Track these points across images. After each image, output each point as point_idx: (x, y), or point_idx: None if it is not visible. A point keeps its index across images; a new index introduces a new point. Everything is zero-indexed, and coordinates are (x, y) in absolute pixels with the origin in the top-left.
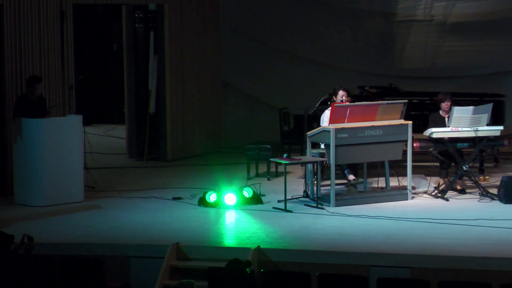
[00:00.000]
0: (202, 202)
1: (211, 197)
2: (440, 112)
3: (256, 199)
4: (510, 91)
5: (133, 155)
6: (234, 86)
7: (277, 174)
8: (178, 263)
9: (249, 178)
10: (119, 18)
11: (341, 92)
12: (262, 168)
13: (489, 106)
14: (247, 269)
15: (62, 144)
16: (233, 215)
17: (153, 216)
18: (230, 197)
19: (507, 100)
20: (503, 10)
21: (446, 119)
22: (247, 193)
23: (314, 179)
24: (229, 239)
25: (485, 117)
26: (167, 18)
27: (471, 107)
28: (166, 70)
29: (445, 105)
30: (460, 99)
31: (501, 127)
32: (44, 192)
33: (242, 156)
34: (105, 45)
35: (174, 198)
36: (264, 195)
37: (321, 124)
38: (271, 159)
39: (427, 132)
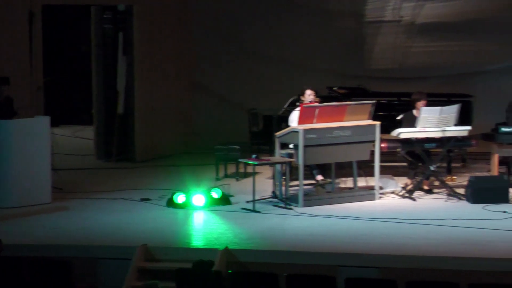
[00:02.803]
0: (170, 203)
1: (179, 198)
2: (414, 111)
3: (225, 200)
4: (478, 91)
5: (102, 156)
6: (204, 86)
7: (246, 175)
8: (146, 264)
9: (217, 179)
10: (88, 19)
11: (308, 92)
12: (231, 169)
13: (457, 106)
14: (212, 269)
15: (30, 145)
16: (201, 216)
17: (121, 217)
18: (198, 198)
19: (475, 101)
20: (471, 11)
21: None
22: (216, 194)
23: (282, 179)
24: (197, 240)
25: (453, 117)
26: (136, 19)
27: (439, 108)
28: (135, 70)
29: (421, 104)
30: (429, 100)
31: (469, 127)
32: (11, 194)
33: (212, 157)
34: (74, 46)
35: (142, 199)
36: (232, 196)
37: (289, 124)
38: (240, 160)
39: (394, 133)
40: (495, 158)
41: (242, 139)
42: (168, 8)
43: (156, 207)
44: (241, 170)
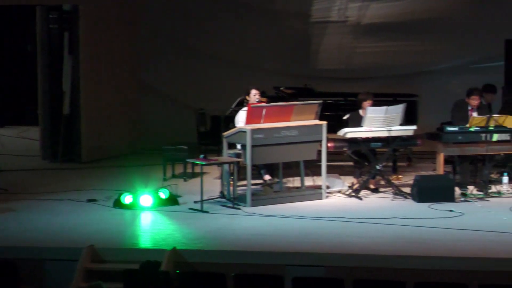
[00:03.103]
0: (118, 204)
1: (127, 198)
2: (360, 111)
3: (172, 200)
4: (423, 91)
5: (48, 157)
6: (152, 86)
7: (193, 175)
8: (93, 265)
9: (165, 179)
10: (33, 19)
11: (253, 91)
12: (179, 169)
13: (402, 106)
14: (159, 270)
15: None
16: (149, 216)
17: (68, 218)
18: (145, 199)
19: (420, 100)
20: (416, 11)
21: None
22: (163, 194)
23: (230, 179)
24: (145, 241)
25: (398, 117)
26: (82, 19)
27: (384, 107)
28: (80, 71)
29: (366, 104)
30: (374, 99)
31: (414, 127)
32: None
33: (159, 157)
34: (19, 46)
35: (89, 200)
36: (180, 196)
37: (235, 124)
38: (187, 160)
39: (341, 132)
40: (441, 157)
41: (190, 139)
42: (115, 8)
43: (103, 208)
44: (189, 170)
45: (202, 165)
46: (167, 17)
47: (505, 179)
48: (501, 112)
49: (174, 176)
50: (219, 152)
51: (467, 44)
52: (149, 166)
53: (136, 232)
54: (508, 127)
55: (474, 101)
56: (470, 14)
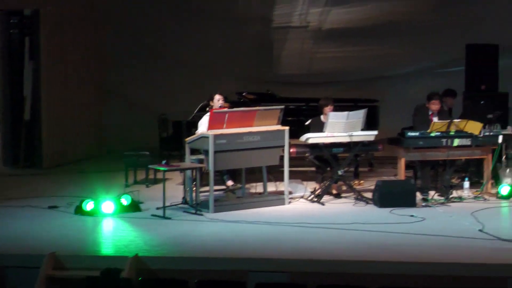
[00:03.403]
0: (79, 210)
1: (88, 205)
2: (322, 117)
3: (134, 206)
4: (384, 96)
5: (8, 163)
6: (114, 92)
7: (156, 181)
8: (55, 272)
9: (127, 186)
10: None
11: (217, 96)
12: (141, 175)
13: (364, 111)
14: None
15: None
16: (110, 223)
17: (29, 225)
18: (107, 205)
19: (381, 105)
20: (376, 16)
21: None
22: (125, 200)
23: (193, 185)
24: (107, 248)
25: (360, 122)
26: (43, 24)
27: (346, 113)
28: (42, 76)
29: (328, 109)
30: (336, 105)
31: (375, 132)
32: None
33: (121, 163)
34: None
35: (50, 207)
36: (142, 202)
37: (199, 130)
38: (149, 166)
39: (303, 138)
40: (402, 162)
41: (152, 145)
42: (77, 12)
43: (65, 214)
44: (151, 176)
45: (164, 171)
46: (130, 22)
47: (466, 184)
48: (462, 117)
49: (136, 182)
50: (181, 158)
51: (427, 49)
52: (111, 172)
53: (97, 239)
54: (469, 132)
55: (435, 105)
56: (430, 19)
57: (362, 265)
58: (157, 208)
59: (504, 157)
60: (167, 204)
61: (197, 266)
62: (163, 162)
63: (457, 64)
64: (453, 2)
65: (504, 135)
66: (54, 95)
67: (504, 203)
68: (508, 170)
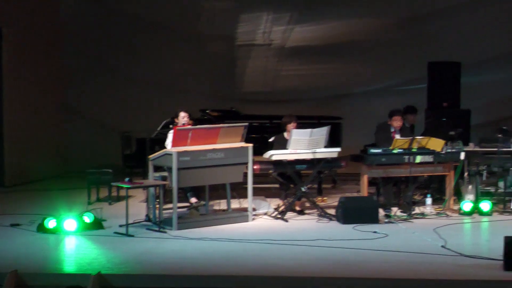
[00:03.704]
0: (41, 228)
1: (51, 223)
2: (285, 134)
3: (97, 224)
4: (347, 113)
5: None
6: (76, 109)
7: (119, 199)
8: None
9: (89, 203)
10: None
11: (182, 114)
12: (104, 193)
13: (327, 128)
14: None
15: None
16: (73, 241)
17: None
18: (70, 223)
19: (344, 122)
20: (339, 34)
21: None
22: (88, 218)
23: (156, 202)
24: (69, 266)
25: (323, 139)
26: (5, 42)
27: (309, 130)
28: (3, 93)
29: (291, 126)
30: (299, 122)
31: (339, 149)
32: None
33: (84, 180)
34: None
35: (12, 225)
36: (105, 220)
37: (166, 147)
38: (112, 183)
39: (267, 155)
40: (365, 179)
41: (115, 162)
42: (39, 30)
43: (27, 232)
44: (114, 193)
45: (127, 188)
46: (92, 40)
47: (429, 200)
48: (424, 134)
49: (99, 199)
50: (144, 175)
51: (390, 66)
52: (73, 189)
53: (60, 257)
54: (431, 149)
55: (396, 122)
56: (393, 37)
57: (325, 281)
58: (120, 226)
59: (466, 173)
60: (130, 221)
61: (160, 283)
62: (126, 179)
63: (419, 81)
64: (414, 20)
65: (466, 152)
66: (15, 113)
67: (466, 219)
68: (470, 187)
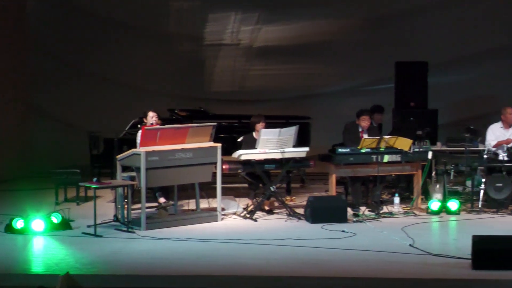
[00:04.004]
0: (9, 229)
1: (18, 223)
2: (254, 133)
3: (65, 224)
4: (315, 113)
5: None
6: (42, 109)
7: (86, 199)
8: None
9: (57, 203)
10: None
11: (151, 114)
12: (71, 193)
13: (295, 128)
14: None
15: None
16: (41, 241)
17: None
18: (37, 223)
19: (312, 122)
20: (307, 34)
21: None
22: (56, 218)
23: (124, 203)
24: (37, 266)
25: (291, 139)
26: None
27: (278, 130)
28: None
29: (259, 126)
30: (268, 122)
31: (307, 149)
32: None
33: (51, 180)
34: None
35: None
36: (73, 220)
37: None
38: (80, 184)
39: (236, 154)
40: (333, 179)
41: (83, 162)
42: (3, 30)
43: None
44: (82, 194)
45: (95, 188)
46: (59, 40)
47: (396, 199)
48: (392, 133)
49: (66, 200)
50: (112, 175)
51: (358, 66)
52: (41, 190)
53: (28, 257)
54: (399, 148)
55: (364, 122)
56: (360, 37)
57: (295, 280)
58: (88, 226)
59: (433, 172)
60: (98, 222)
61: (128, 284)
62: (94, 179)
63: (387, 81)
64: (382, 20)
65: (434, 151)
66: None
67: (434, 218)
68: (437, 186)
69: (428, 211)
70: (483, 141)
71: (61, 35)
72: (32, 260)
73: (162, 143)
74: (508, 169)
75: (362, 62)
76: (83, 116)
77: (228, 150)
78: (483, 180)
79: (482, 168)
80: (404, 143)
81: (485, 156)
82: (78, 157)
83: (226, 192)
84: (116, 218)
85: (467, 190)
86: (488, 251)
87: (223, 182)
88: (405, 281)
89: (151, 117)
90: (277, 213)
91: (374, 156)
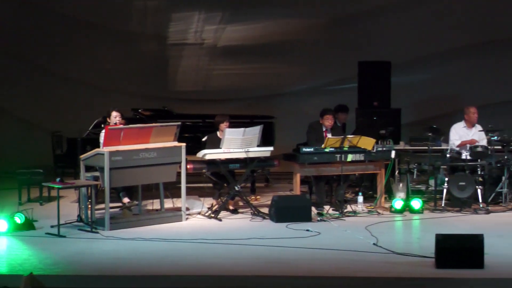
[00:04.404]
0: None
1: None
2: (218, 133)
3: (28, 225)
4: (279, 112)
5: None
6: (3, 109)
7: (50, 199)
8: None
9: (20, 204)
10: None
11: (114, 113)
12: (35, 193)
13: (259, 127)
14: None
15: None
16: (4, 242)
17: None
18: (1, 224)
19: (276, 122)
20: (271, 34)
21: None
22: (19, 219)
23: (88, 203)
24: (1, 267)
25: (256, 138)
26: None
27: (242, 129)
28: None
29: (223, 125)
30: (232, 121)
31: (271, 148)
32: None
33: (14, 181)
34: None
35: None
36: (36, 221)
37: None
38: (43, 184)
39: (200, 154)
40: (297, 178)
41: (46, 162)
42: None
43: None
44: (45, 194)
45: (59, 188)
46: (22, 39)
47: (360, 198)
48: (355, 133)
49: (29, 200)
50: (76, 175)
51: (321, 66)
52: (3, 190)
53: None
54: (362, 147)
55: (328, 121)
56: (324, 37)
57: (259, 280)
58: (52, 226)
59: (397, 172)
60: (62, 222)
61: (92, 284)
62: (58, 179)
63: (350, 81)
64: (344, 20)
65: (397, 150)
66: None
67: (398, 217)
68: (401, 185)
69: (392, 210)
70: (446, 140)
71: (23, 34)
72: None
73: (125, 142)
74: (471, 168)
75: (325, 62)
76: (46, 115)
77: (192, 149)
78: (446, 179)
79: (445, 167)
80: (367, 143)
81: (448, 155)
82: (41, 157)
83: (190, 191)
84: (79, 219)
85: (430, 189)
86: (451, 250)
87: (187, 182)
88: (368, 279)
89: (115, 117)
90: (242, 212)
91: (338, 156)
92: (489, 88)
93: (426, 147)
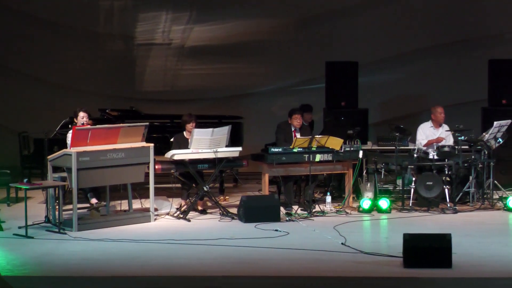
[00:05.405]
0: None
1: None
2: (185, 133)
3: None
4: (247, 113)
5: None
6: None
7: (17, 200)
8: None
9: None
10: None
11: (81, 114)
12: (1, 194)
13: (228, 128)
14: None
15: None
16: None
17: None
18: None
19: (244, 122)
20: (238, 34)
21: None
22: None
23: (56, 203)
24: None
25: (224, 138)
26: None
27: (210, 129)
28: None
29: (190, 126)
30: (200, 121)
31: (240, 148)
32: None
33: None
34: None
35: None
36: (4, 222)
37: (68, 147)
38: (10, 185)
39: (168, 154)
40: (266, 178)
41: (13, 163)
42: None
43: None
44: (12, 195)
45: (26, 189)
46: None
47: (328, 198)
48: (323, 133)
49: None
50: (43, 176)
51: (288, 66)
52: None
53: None
54: (330, 147)
55: (296, 120)
56: (291, 37)
57: (228, 280)
58: (19, 227)
59: (364, 171)
60: (29, 223)
61: (60, 285)
62: (25, 180)
63: (317, 81)
64: (312, 20)
65: (365, 150)
66: None
67: (366, 216)
68: (368, 185)
69: (360, 210)
70: (413, 140)
71: None
72: None
73: (93, 143)
74: (438, 167)
75: (293, 62)
76: (13, 116)
77: (160, 150)
78: (414, 178)
79: (413, 167)
80: (335, 143)
81: (415, 155)
82: (8, 158)
83: (159, 192)
84: (47, 219)
85: (397, 188)
86: (419, 249)
87: (156, 182)
88: (337, 279)
89: (82, 117)
90: (211, 213)
91: (306, 156)
92: (455, 88)
93: (394, 147)
